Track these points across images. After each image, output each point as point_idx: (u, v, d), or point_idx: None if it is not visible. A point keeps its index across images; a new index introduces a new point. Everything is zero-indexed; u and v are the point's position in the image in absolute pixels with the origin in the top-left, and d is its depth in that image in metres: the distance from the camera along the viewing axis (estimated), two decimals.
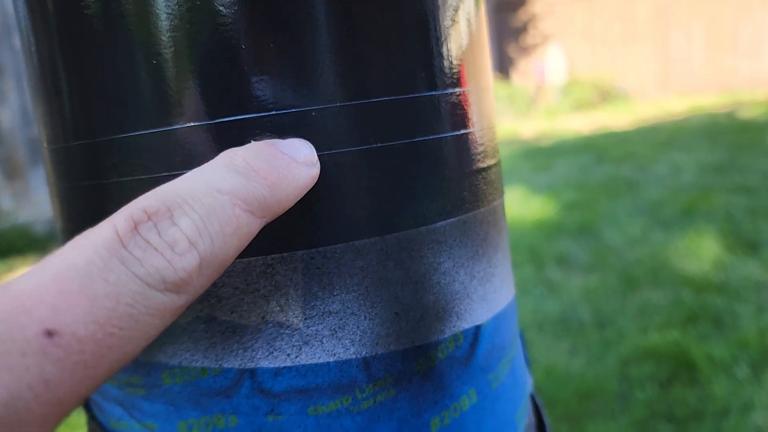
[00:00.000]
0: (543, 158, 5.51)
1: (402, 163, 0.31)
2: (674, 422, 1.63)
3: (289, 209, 0.27)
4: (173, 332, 0.31)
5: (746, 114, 6.69)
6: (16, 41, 4.05)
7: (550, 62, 9.69)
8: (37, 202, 4.17)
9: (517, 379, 0.39)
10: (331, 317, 0.30)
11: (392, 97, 0.30)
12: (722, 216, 3.17)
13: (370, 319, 0.31)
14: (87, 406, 0.39)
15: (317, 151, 0.28)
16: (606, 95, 9.35)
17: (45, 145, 0.35)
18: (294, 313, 0.30)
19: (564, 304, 2.34)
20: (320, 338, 0.30)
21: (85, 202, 0.33)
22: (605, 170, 4.69)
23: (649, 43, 9.58)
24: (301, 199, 0.27)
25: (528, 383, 0.40)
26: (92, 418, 0.37)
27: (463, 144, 0.33)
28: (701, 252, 2.73)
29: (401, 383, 0.32)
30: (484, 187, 0.35)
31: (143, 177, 0.30)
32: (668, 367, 1.85)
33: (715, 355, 1.87)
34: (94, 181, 0.31)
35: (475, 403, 0.34)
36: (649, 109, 8.19)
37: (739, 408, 1.63)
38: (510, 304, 0.39)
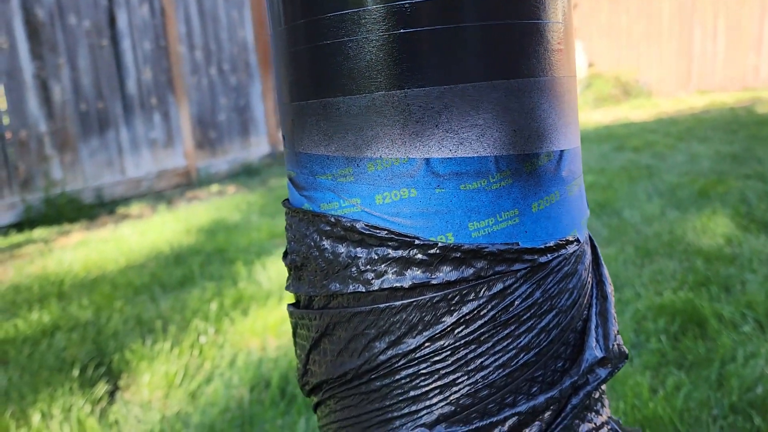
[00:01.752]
0: None
1: (520, 35, 0.50)
2: (683, 368, 1.80)
3: (450, 58, 0.48)
4: (377, 136, 0.50)
5: (766, 108, 6.79)
6: (70, 20, 4.27)
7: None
8: (85, 172, 4.40)
9: (582, 199, 0.58)
10: (477, 128, 0.49)
11: None
12: (737, 198, 3.32)
13: (500, 132, 0.50)
14: (286, 203, 0.58)
15: (474, 21, 0.48)
16: (628, 91, 9.46)
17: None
18: (455, 123, 0.49)
19: None
20: (470, 141, 0.49)
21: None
22: (625, 157, 4.84)
23: (672, 41, 9.66)
24: (461, 52, 0.47)
25: (587, 212, 0.59)
26: (297, 210, 0.56)
27: (554, 30, 0.52)
28: (715, 229, 2.89)
29: (516, 175, 0.50)
30: (564, 62, 0.54)
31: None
32: (680, 322, 2.02)
33: (724, 313, 2.04)
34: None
35: (558, 200, 0.53)
36: (670, 103, 8.31)
37: (744, 356, 1.80)
38: (579, 149, 0.57)
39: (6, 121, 4.01)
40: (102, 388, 1.81)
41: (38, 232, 3.86)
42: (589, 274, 0.57)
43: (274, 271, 2.73)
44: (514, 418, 0.50)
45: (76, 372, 1.88)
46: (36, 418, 1.66)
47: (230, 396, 1.76)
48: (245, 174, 5.73)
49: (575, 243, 0.55)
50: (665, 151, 4.92)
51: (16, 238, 3.80)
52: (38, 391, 1.81)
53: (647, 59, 9.80)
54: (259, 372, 1.86)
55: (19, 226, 4.00)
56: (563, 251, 0.54)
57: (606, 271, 0.61)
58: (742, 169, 4.05)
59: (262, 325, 2.15)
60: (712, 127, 5.84)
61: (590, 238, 0.61)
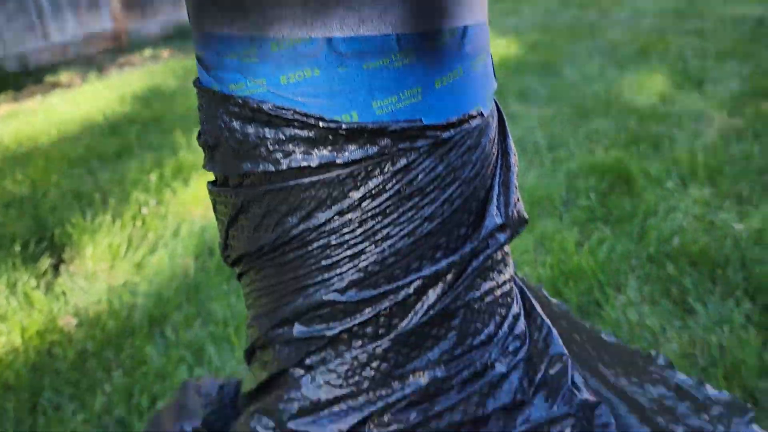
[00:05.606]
0: (511, 2, 5.54)
1: None
2: (609, 223, 1.91)
3: None
4: (279, 16, 0.49)
5: None
6: None
7: None
8: (4, 38, 4.11)
9: (487, 75, 0.59)
10: (378, 5, 0.49)
11: None
12: (675, 56, 3.36)
13: (401, 9, 0.49)
14: (196, 83, 0.58)
15: None
16: None
17: None
18: (357, 0, 0.48)
19: (522, 131, 2.56)
20: (372, 19, 0.49)
21: None
22: (570, 14, 4.78)
23: None
24: None
25: (494, 85, 0.60)
26: (207, 90, 0.56)
27: None
28: (651, 87, 2.95)
29: (419, 53, 0.51)
30: None
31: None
32: (609, 179, 2.11)
33: (651, 171, 2.14)
34: None
35: (462, 76, 0.54)
36: None
37: (665, 210, 1.91)
38: (484, 25, 0.58)
39: None
40: (45, 263, 1.82)
41: None
42: (494, 146, 0.59)
43: None
44: (419, 281, 0.55)
45: (17, 247, 1.88)
46: None
47: (175, 265, 1.80)
48: (179, 37, 5.45)
49: (479, 117, 0.57)
50: (610, 7, 4.88)
51: None
52: None
53: None
54: (203, 240, 1.90)
55: None
56: (466, 126, 0.56)
57: (511, 142, 0.63)
58: (684, 25, 4.07)
59: (203, 194, 2.16)
60: None
61: (498, 109, 0.63)
